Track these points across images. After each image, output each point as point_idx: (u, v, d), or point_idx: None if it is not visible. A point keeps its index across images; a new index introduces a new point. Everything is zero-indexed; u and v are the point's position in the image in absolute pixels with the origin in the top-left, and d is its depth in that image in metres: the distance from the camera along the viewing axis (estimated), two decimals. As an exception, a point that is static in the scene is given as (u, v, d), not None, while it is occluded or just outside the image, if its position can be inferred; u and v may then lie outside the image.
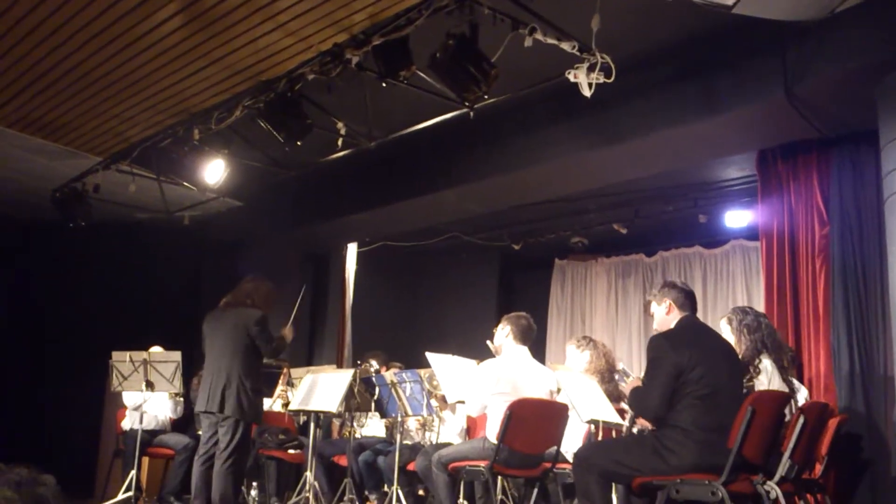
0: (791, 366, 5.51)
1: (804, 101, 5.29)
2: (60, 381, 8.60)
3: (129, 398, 7.12)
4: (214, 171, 6.68)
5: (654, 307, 4.32)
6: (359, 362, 7.50)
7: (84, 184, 7.46)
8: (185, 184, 7.08)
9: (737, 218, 8.05)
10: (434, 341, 7.41)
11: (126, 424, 7.22)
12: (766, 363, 4.89)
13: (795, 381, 5.21)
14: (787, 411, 4.33)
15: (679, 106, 5.80)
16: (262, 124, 5.70)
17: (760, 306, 6.31)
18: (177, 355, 6.54)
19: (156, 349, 6.87)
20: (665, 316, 4.23)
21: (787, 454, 4.08)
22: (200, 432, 5.90)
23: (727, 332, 5.03)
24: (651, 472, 3.88)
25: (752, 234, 7.91)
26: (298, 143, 5.72)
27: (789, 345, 5.77)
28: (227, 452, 5.43)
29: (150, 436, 7.06)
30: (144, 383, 6.54)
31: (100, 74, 5.90)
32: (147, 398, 6.84)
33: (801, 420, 4.11)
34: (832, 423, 4.74)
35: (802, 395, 5.17)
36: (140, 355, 6.58)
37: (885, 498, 5.20)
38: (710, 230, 8.53)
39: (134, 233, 9.06)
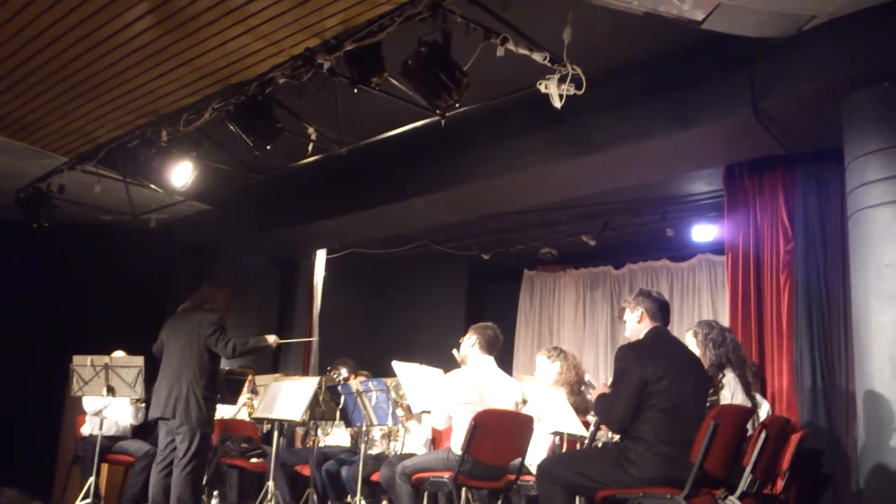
0: (755, 381, 5.55)
1: (771, 118, 5.36)
2: (20, 384, 8.42)
3: (90, 403, 6.99)
4: (182, 173, 6.59)
5: (627, 314, 4.33)
6: (328, 369, 7.44)
7: (49, 184, 7.35)
8: (152, 186, 6.99)
9: (704, 232, 8.12)
10: (402, 350, 7.37)
11: (86, 430, 7.09)
12: (730, 377, 4.92)
13: (758, 396, 5.25)
14: (749, 426, 4.35)
15: (649, 119, 5.84)
16: (232, 127, 5.66)
17: (725, 320, 6.36)
18: (139, 360, 6.44)
19: (118, 354, 6.76)
20: (636, 324, 4.24)
21: (748, 469, 4.10)
22: None
23: (692, 345, 5.06)
24: (614, 484, 3.89)
25: (718, 248, 7.98)
26: (268, 147, 5.69)
27: (753, 360, 5.81)
28: (186, 460, 5.35)
29: (111, 442, 6.94)
30: (105, 388, 6.42)
31: (67, 73, 5.81)
32: (108, 403, 6.73)
33: (763, 435, 4.13)
34: (794, 439, 4.78)
35: (765, 411, 5.20)
36: (102, 360, 6.46)
37: (846, 513, 5.25)
38: (677, 244, 8.60)
39: (99, 235, 8.91)
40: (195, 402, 5.41)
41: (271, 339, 5.84)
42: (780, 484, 4.85)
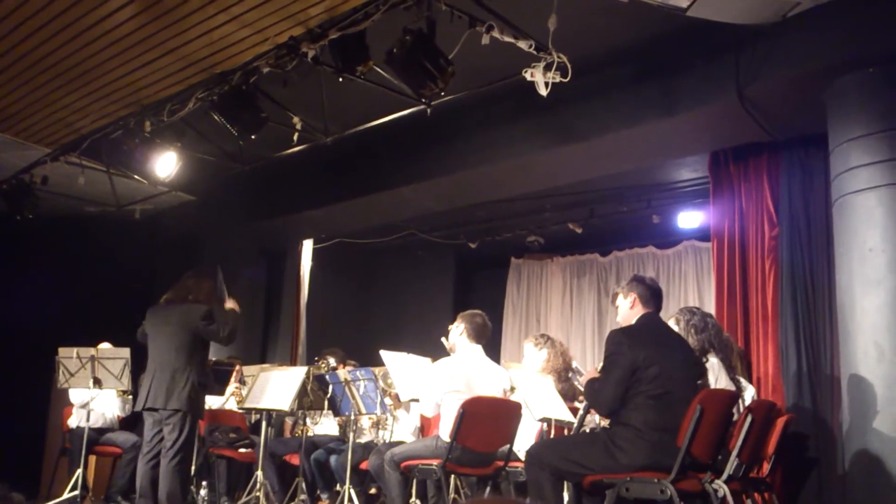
0: (741, 365, 5.58)
1: (755, 104, 5.38)
2: (5, 377, 8.39)
3: (77, 395, 6.97)
4: (166, 164, 6.54)
5: (619, 300, 4.31)
6: (316, 359, 7.44)
7: (32, 175, 7.30)
8: (136, 177, 6.95)
9: (689, 219, 8.15)
10: (390, 339, 7.38)
11: (73, 422, 7.06)
12: (713, 361, 4.95)
13: (743, 381, 5.28)
14: (735, 410, 4.38)
15: (634, 107, 5.85)
16: (216, 117, 5.62)
17: (711, 306, 6.40)
18: (125, 352, 6.41)
19: (104, 346, 6.74)
20: (629, 310, 4.23)
21: (734, 453, 4.14)
22: None
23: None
24: (602, 470, 3.90)
25: (704, 234, 8.01)
26: (253, 136, 5.66)
27: (739, 345, 5.85)
28: (175, 450, 5.34)
29: (98, 434, 6.93)
30: (92, 380, 6.41)
31: (50, 63, 5.76)
32: (94, 395, 6.70)
33: (749, 419, 4.17)
34: (779, 423, 4.81)
35: (750, 394, 5.24)
36: (88, 351, 6.44)
37: (831, 496, 5.30)
38: (663, 231, 8.63)
39: (83, 226, 8.87)
40: (191, 389, 5.41)
41: (231, 303, 5.82)
42: (766, 467, 4.89)
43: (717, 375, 4.88)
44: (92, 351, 6.46)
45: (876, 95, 4.77)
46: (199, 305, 5.59)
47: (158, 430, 5.47)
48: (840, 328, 4.93)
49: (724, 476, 4.03)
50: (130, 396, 7.14)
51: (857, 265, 4.75)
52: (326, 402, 6.49)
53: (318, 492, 6.93)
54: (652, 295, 4.22)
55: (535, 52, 4.63)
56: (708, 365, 4.90)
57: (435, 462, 4.84)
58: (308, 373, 6.49)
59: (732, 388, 4.87)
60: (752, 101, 5.35)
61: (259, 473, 6.24)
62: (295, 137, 6.25)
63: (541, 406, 4.98)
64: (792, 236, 5.82)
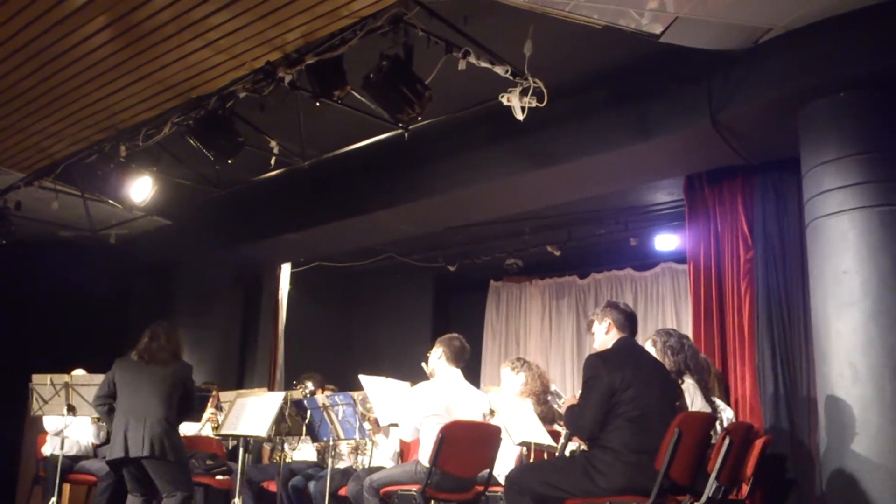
0: (719, 386, 5.60)
1: (728, 128, 5.44)
2: (-23, 405, 8.25)
3: (50, 423, 6.86)
4: (141, 188, 6.51)
5: (595, 326, 4.37)
6: (294, 383, 7.38)
7: (5, 201, 7.25)
8: (111, 201, 6.89)
9: (666, 241, 8.22)
10: (368, 363, 7.36)
11: (47, 450, 6.95)
12: (689, 383, 4.97)
13: (720, 402, 5.30)
14: (712, 432, 4.39)
15: (610, 131, 5.90)
16: (192, 142, 5.61)
17: (689, 328, 6.43)
18: (100, 378, 6.32)
19: (78, 372, 6.64)
20: (604, 335, 4.28)
21: (713, 475, 4.14)
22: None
23: (652, 354, 5.10)
24: (581, 493, 3.90)
25: (681, 257, 8.05)
26: (230, 161, 5.65)
27: (716, 367, 5.87)
28: (187, 492, 5.26)
29: (72, 461, 6.80)
30: (66, 407, 6.31)
31: (24, 88, 5.73)
32: (69, 423, 6.60)
33: (727, 441, 4.17)
34: (757, 444, 4.82)
35: (728, 416, 5.26)
36: (61, 378, 6.35)
37: (809, 517, 5.32)
38: (640, 253, 8.69)
39: (57, 251, 8.78)
40: (177, 436, 5.34)
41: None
42: (745, 489, 4.89)
43: (692, 397, 4.90)
44: (66, 377, 6.37)
45: (847, 120, 4.83)
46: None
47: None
48: (815, 350, 4.97)
49: (703, 498, 4.03)
50: (105, 423, 7.04)
51: (831, 287, 4.79)
52: (305, 428, 6.43)
53: (297, 519, 6.85)
54: (626, 319, 4.27)
55: (511, 78, 4.67)
56: (683, 386, 4.92)
57: (414, 488, 4.81)
58: (286, 398, 6.43)
59: (708, 409, 4.88)
60: (725, 126, 5.40)
61: (237, 501, 6.16)
62: (272, 162, 6.25)
63: (520, 430, 4.97)
64: (767, 259, 5.87)
